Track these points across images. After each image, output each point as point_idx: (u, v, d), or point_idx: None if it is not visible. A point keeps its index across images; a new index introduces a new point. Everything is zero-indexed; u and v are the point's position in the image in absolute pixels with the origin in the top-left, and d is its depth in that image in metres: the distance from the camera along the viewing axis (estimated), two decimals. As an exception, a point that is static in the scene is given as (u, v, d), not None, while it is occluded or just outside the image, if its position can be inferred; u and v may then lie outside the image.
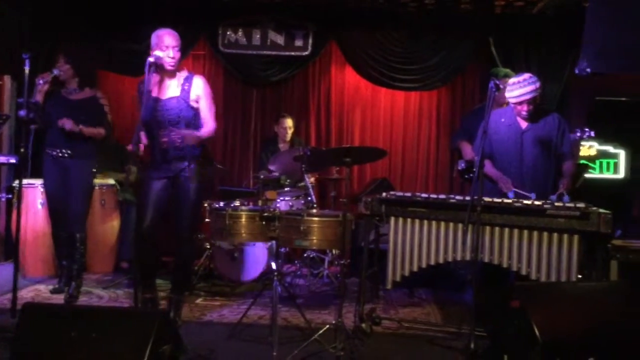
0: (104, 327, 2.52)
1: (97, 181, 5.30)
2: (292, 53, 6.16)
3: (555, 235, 3.48)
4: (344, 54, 6.26)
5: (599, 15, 3.75)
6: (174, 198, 3.79)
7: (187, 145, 3.72)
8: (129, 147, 3.56)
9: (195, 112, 3.79)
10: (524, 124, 4.12)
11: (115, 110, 5.18)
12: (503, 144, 4.14)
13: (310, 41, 6.12)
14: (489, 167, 4.14)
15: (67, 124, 4.34)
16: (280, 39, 6.13)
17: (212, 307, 4.41)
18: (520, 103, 4.02)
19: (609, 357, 2.65)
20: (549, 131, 4.09)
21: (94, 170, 4.70)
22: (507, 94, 4.07)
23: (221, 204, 4.28)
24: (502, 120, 4.16)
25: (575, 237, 3.44)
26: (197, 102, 3.80)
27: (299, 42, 6.13)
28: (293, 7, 6.02)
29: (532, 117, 4.08)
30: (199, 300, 4.59)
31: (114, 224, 5.51)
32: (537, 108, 4.08)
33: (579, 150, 5.87)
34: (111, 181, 5.51)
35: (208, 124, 3.81)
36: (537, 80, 4.00)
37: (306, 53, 6.16)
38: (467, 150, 4.96)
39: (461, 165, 5.10)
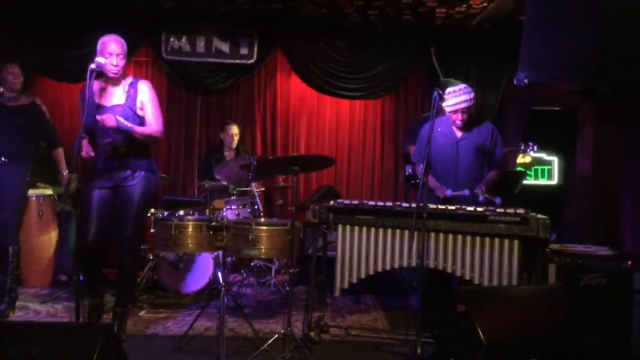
0: (44, 343, 2.41)
1: (34, 192, 5.10)
2: (237, 61, 6.11)
3: (496, 240, 3.60)
4: (290, 62, 6.27)
5: (535, 28, 3.90)
6: (117, 207, 3.70)
7: (131, 154, 3.65)
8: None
9: (141, 120, 3.72)
10: (459, 133, 4.28)
11: (53, 118, 5.01)
12: (440, 152, 4.27)
13: (255, 49, 6.10)
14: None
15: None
16: (225, 47, 6.08)
17: (157, 320, 4.30)
18: (455, 112, 4.17)
19: (550, 357, 2.75)
20: (483, 139, 4.27)
21: (28, 178, 4.52)
22: (442, 103, 4.19)
23: (166, 213, 4.19)
24: (439, 129, 4.29)
25: (516, 242, 3.56)
26: (142, 109, 3.74)
27: (244, 50, 6.09)
28: (238, 15, 5.99)
29: (465, 126, 4.24)
30: (142, 313, 4.47)
31: (52, 235, 5.29)
32: (472, 118, 4.23)
33: (515, 158, 6.08)
34: (49, 191, 5.29)
35: (152, 125, 3.74)
36: (472, 91, 4.17)
37: (251, 61, 6.13)
38: None
39: (408, 170, 5.22)
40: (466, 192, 4.03)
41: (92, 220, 3.61)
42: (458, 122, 4.21)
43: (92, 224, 3.61)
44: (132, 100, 3.69)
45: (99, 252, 3.67)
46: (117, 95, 3.70)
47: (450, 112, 4.18)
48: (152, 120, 3.75)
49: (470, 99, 4.14)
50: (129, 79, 3.76)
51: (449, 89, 4.19)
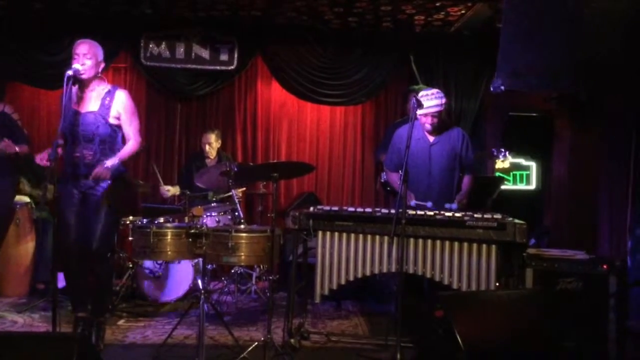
0: (19, 354, 2.38)
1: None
2: (218, 67, 6.11)
3: (474, 245, 3.63)
4: (270, 69, 6.28)
5: (512, 36, 3.95)
6: (85, 216, 3.66)
7: (98, 162, 3.61)
8: (38, 159, 3.44)
9: (113, 129, 3.69)
10: (431, 138, 4.32)
11: (30, 125, 4.96)
12: (412, 156, 4.29)
13: (235, 55, 6.10)
14: (395, 179, 4.31)
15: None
16: (205, 53, 6.07)
17: (136, 329, 4.26)
18: (426, 115, 4.20)
19: (527, 361, 2.78)
20: (454, 144, 4.33)
21: (13, 189, 4.46)
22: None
23: (144, 221, 4.16)
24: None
25: (493, 247, 3.59)
26: (118, 118, 3.70)
27: (224, 56, 6.09)
28: (218, 21, 5.99)
29: (436, 130, 4.29)
30: (121, 322, 4.43)
31: (29, 244, 5.22)
32: (442, 122, 4.28)
33: (492, 164, 6.16)
34: (26, 199, 5.23)
35: (130, 140, 3.72)
36: (444, 96, 4.23)
37: (232, 67, 6.12)
38: None
39: (383, 177, 5.24)
40: (429, 204, 4.06)
41: (70, 225, 3.57)
42: (428, 126, 4.26)
43: (71, 228, 3.57)
44: (107, 109, 3.66)
45: (82, 257, 3.62)
46: (92, 102, 3.67)
47: (421, 115, 4.22)
48: (131, 131, 3.73)
49: (442, 104, 4.19)
50: (107, 86, 3.74)
51: (421, 93, 4.21)
